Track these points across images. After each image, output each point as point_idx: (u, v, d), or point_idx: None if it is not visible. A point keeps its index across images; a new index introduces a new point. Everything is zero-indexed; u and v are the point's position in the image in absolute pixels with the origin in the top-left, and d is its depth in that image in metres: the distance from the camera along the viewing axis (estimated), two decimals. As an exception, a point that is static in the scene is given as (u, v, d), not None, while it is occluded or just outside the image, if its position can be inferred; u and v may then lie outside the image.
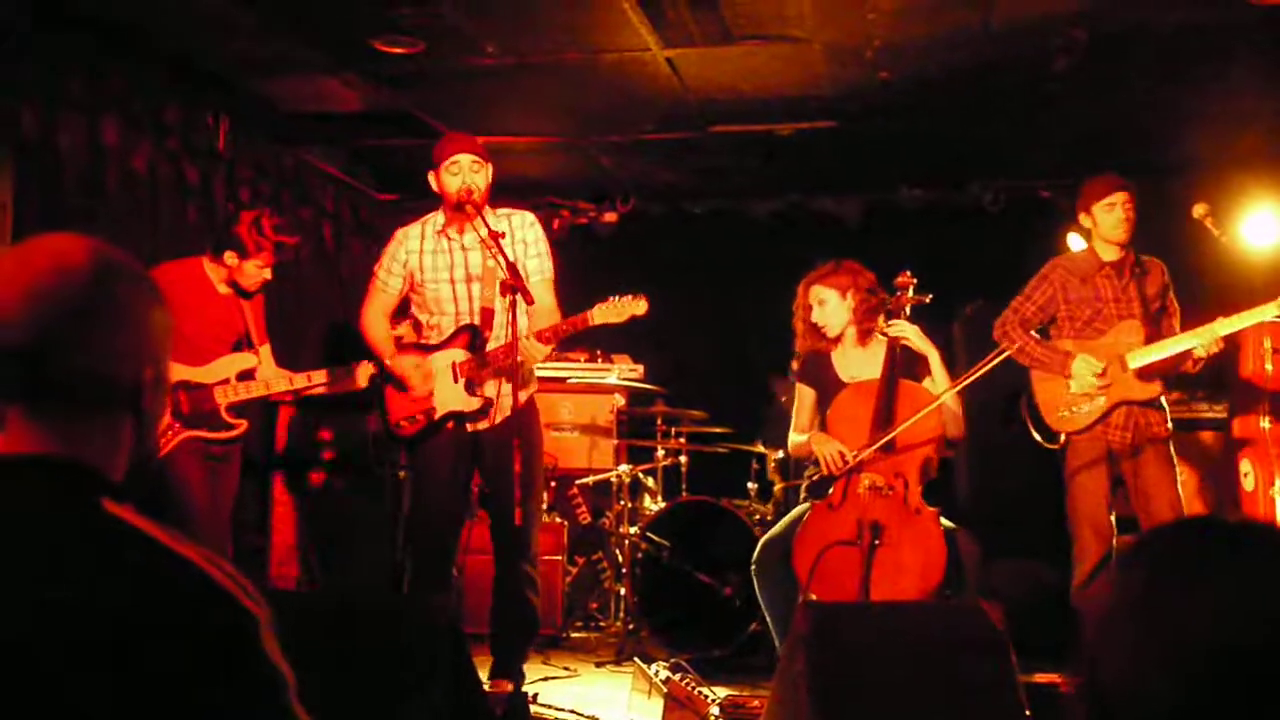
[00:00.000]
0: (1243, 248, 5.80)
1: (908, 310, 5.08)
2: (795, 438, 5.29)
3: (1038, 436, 5.30)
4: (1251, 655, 1.12)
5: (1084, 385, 5.09)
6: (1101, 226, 5.19)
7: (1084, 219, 5.27)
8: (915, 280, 5.12)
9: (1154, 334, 5.12)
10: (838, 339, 5.20)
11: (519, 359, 4.64)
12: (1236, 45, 5.71)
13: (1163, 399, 5.16)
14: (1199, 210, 5.23)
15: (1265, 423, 5.61)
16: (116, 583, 1.35)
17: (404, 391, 4.98)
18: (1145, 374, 5.07)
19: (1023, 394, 5.39)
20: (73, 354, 1.48)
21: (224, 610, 1.38)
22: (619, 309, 4.74)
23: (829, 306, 5.16)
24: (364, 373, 5.40)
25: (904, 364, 5.02)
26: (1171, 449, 5.15)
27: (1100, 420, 5.12)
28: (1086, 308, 5.22)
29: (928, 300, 5.11)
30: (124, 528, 1.41)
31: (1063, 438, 5.22)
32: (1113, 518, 5.20)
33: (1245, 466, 5.77)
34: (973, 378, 4.93)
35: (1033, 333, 5.31)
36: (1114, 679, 1.22)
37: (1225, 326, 4.90)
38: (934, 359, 5.05)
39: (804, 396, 5.29)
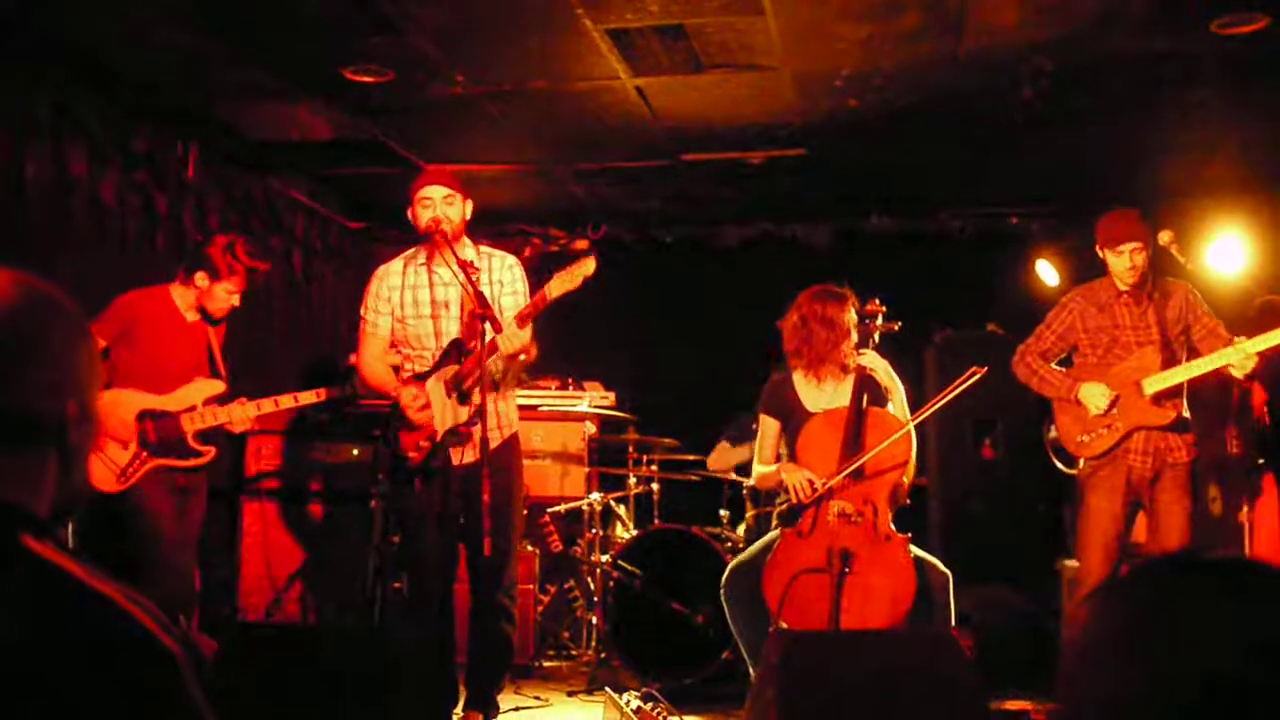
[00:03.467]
0: (1208, 275, 5.83)
1: (876, 338, 5.10)
2: (760, 469, 5.28)
3: (1058, 463, 5.35)
4: (1236, 688, 1.12)
5: (1097, 409, 5.11)
6: (1113, 268, 5.22)
7: (1099, 251, 5.28)
8: (884, 308, 5.14)
9: (1171, 359, 5.13)
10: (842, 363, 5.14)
11: (502, 350, 4.68)
12: (1202, 74, 5.76)
13: (1189, 423, 5.15)
14: (1164, 238, 5.27)
15: (1234, 448, 5.63)
16: (33, 621, 1.33)
17: (408, 428, 4.99)
18: (1161, 399, 5.09)
19: (1045, 421, 5.43)
20: None
21: (143, 649, 1.36)
22: (572, 275, 4.72)
23: (853, 337, 5.11)
24: (306, 398, 5.50)
25: (872, 392, 5.03)
26: (1193, 476, 5.16)
27: (1119, 445, 5.14)
28: (1105, 335, 5.24)
29: (896, 329, 5.13)
30: (43, 565, 1.39)
31: (1081, 462, 5.25)
32: (1125, 545, 5.20)
33: (1213, 492, 5.80)
34: (941, 403, 4.95)
35: (1052, 364, 5.34)
36: (1095, 710, 1.21)
37: (1258, 344, 4.89)
38: (897, 395, 5.05)
39: (768, 427, 5.28)
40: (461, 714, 4.98)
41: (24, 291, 1.50)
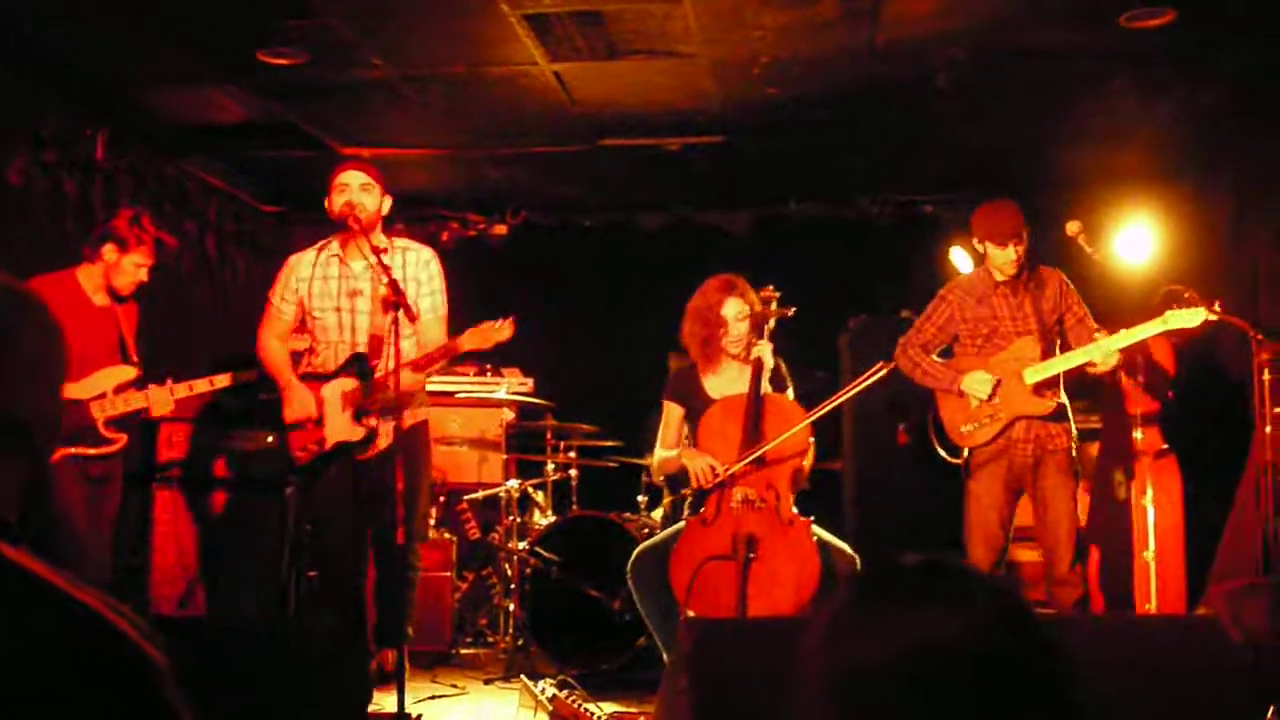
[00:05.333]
0: (1115, 264, 5.93)
1: (772, 323, 5.13)
2: (662, 453, 5.32)
3: (942, 452, 5.42)
4: (923, 681, 1.16)
5: (982, 396, 5.19)
6: (993, 260, 5.29)
7: (976, 244, 5.35)
8: (778, 294, 5.18)
9: (1050, 348, 5.23)
10: (734, 354, 5.19)
11: (398, 391, 4.64)
12: (1111, 66, 5.86)
13: (1068, 411, 5.26)
14: (1072, 228, 5.35)
15: (1138, 433, 5.74)
16: (10, 630, 1.30)
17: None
18: (1040, 388, 5.18)
19: (929, 410, 5.50)
20: None
21: (125, 657, 1.33)
22: (485, 335, 4.77)
23: (746, 324, 5.16)
24: (220, 381, 5.43)
25: (773, 377, 5.08)
26: (1073, 460, 5.26)
27: (1001, 434, 5.23)
28: (984, 326, 5.33)
29: (790, 314, 5.16)
30: (20, 572, 1.36)
31: (965, 452, 5.33)
32: (1008, 530, 5.30)
33: (1118, 477, 5.91)
34: (845, 397, 5.01)
35: (933, 355, 5.42)
36: (801, 709, 1.25)
37: (1119, 340, 5.02)
38: (787, 393, 5.13)
39: (671, 413, 5.32)
40: (375, 650, 5.04)
41: None
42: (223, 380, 5.66)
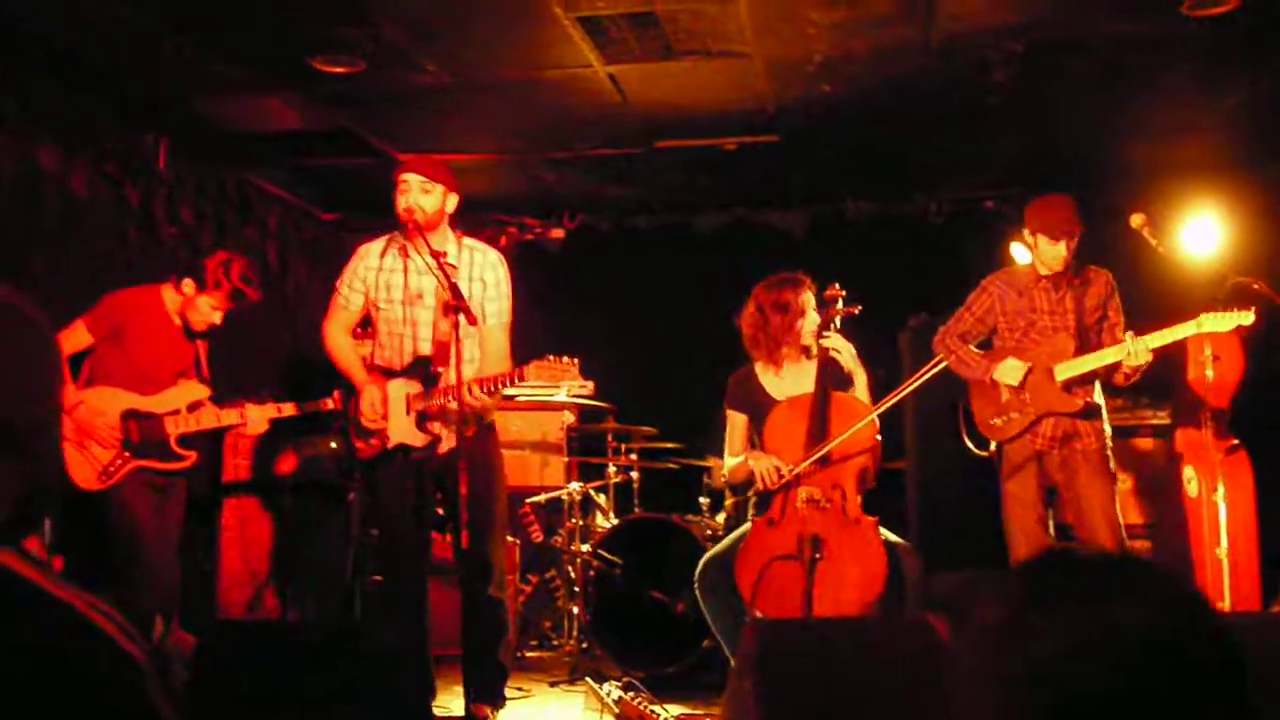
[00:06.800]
0: (1181, 257, 5.84)
1: (838, 322, 5.10)
2: (731, 461, 5.30)
3: (970, 445, 5.37)
4: (1100, 695, 1.13)
5: (1013, 382, 5.15)
6: (1042, 254, 5.24)
7: (1027, 235, 5.31)
8: (844, 292, 5.15)
9: (1085, 346, 5.17)
10: (804, 345, 5.17)
11: (462, 404, 4.64)
12: (1172, 56, 5.77)
13: (1101, 411, 5.20)
14: (1137, 220, 5.29)
15: (1208, 430, 5.66)
16: None
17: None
18: (1071, 385, 5.12)
19: (960, 403, 5.46)
20: None
21: (107, 657, 1.33)
22: (551, 371, 4.74)
23: (811, 318, 5.15)
24: (328, 404, 5.48)
25: (835, 376, 5.04)
26: (1107, 459, 5.19)
27: (1029, 429, 5.18)
28: (1022, 319, 5.29)
29: (856, 312, 5.14)
30: (4, 574, 1.37)
31: (993, 445, 5.29)
32: (1049, 527, 5.25)
33: (1188, 473, 5.82)
34: (908, 389, 4.97)
35: (971, 345, 5.38)
36: (970, 715, 1.21)
37: (1153, 340, 4.95)
38: (860, 381, 5.08)
39: (735, 421, 5.31)
40: (470, 706, 4.96)
41: None
42: (290, 409, 5.69)
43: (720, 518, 6.75)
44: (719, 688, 5.27)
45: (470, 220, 8.30)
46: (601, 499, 7.12)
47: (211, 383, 5.60)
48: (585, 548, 6.52)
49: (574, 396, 7.38)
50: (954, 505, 7.17)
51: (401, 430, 4.88)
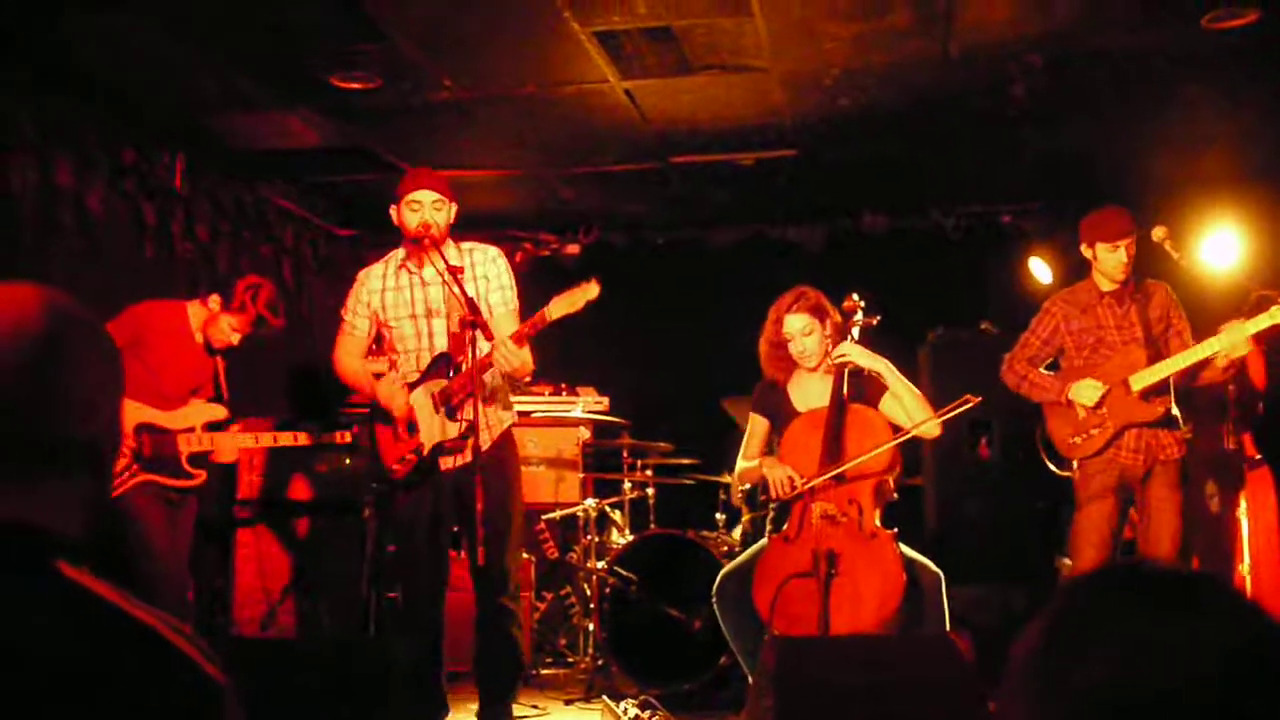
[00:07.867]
0: (1203, 269, 5.80)
1: (855, 334, 5.04)
2: (743, 464, 5.27)
3: (1051, 465, 5.34)
4: (1146, 713, 1.09)
5: (1089, 402, 5.10)
6: (1103, 264, 5.20)
7: (1085, 250, 5.26)
8: (862, 303, 5.10)
9: (1156, 355, 5.12)
10: (810, 368, 5.13)
11: (498, 368, 4.64)
12: (1193, 68, 5.74)
13: (1179, 420, 5.15)
14: (1158, 233, 5.25)
15: (1230, 443, 5.61)
16: (76, 651, 1.28)
17: (390, 426, 4.93)
18: (1149, 395, 5.07)
19: (1036, 424, 5.42)
20: (26, 414, 1.38)
21: (188, 678, 1.31)
22: (574, 299, 4.66)
23: (815, 336, 5.08)
24: (345, 437, 5.46)
25: (855, 387, 4.98)
26: (1183, 471, 5.16)
27: (1110, 444, 5.13)
28: (1090, 336, 5.25)
29: (875, 323, 5.09)
30: (82, 593, 1.34)
31: (1075, 464, 5.23)
32: (1119, 540, 5.20)
33: (1210, 489, 5.77)
34: (944, 418, 4.85)
35: (1040, 368, 5.33)
36: None
37: (1248, 328, 4.84)
38: (885, 370, 4.94)
39: (756, 425, 5.27)
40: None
41: (56, 311, 1.44)
42: (287, 438, 5.70)
43: (737, 533, 6.71)
44: (737, 704, 5.23)
45: (486, 236, 8.31)
46: (617, 515, 7.09)
47: (230, 402, 5.59)
48: (601, 564, 6.48)
49: (589, 412, 7.37)
50: (972, 520, 7.15)
51: (434, 431, 4.84)
